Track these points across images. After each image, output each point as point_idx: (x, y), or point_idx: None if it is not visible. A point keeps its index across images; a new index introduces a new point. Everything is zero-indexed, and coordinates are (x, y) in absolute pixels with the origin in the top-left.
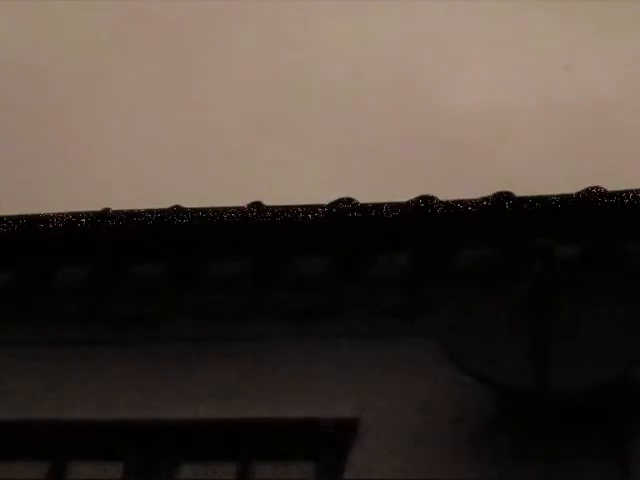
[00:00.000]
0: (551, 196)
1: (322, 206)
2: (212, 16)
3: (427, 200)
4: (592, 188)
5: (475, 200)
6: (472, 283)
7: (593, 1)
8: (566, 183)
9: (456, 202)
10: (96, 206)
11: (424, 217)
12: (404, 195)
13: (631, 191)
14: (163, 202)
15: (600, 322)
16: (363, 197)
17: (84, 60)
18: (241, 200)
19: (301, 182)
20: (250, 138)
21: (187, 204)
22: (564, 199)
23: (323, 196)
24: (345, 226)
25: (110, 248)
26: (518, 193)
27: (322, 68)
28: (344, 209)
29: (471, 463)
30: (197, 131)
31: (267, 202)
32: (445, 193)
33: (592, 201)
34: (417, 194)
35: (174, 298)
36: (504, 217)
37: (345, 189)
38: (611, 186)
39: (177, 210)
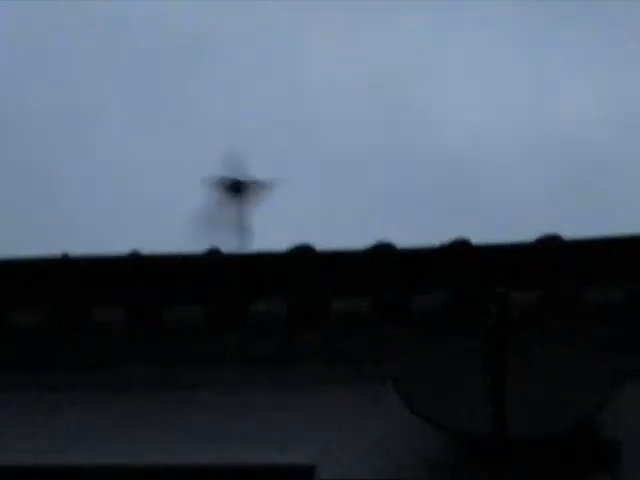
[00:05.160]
0: (507, 243)
1: (279, 252)
2: (192, 56)
3: (383, 246)
4: (547, 236)
5: (432, 247)
6: (429, 329)
7: (583, 31)
8: (551, 218)
9: (413, 248)
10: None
11: (380, 263)
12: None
13: (588, 239)
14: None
15: (558, 368)
16: (343, 240)
17: (66, 98)
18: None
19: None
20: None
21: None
22: (520, 246)
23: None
24: (302, 272)
25: (69, 293)
26: (499, 230)
27: (304, 101)
28: (301, 256)
29: None
30: (167, 172)
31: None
32: (427, 230)
33: (548, 249)
34: (393, 234)
35: (136, 343)
36: (461, 264)
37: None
38: (595, 222)
39: (135, 255)
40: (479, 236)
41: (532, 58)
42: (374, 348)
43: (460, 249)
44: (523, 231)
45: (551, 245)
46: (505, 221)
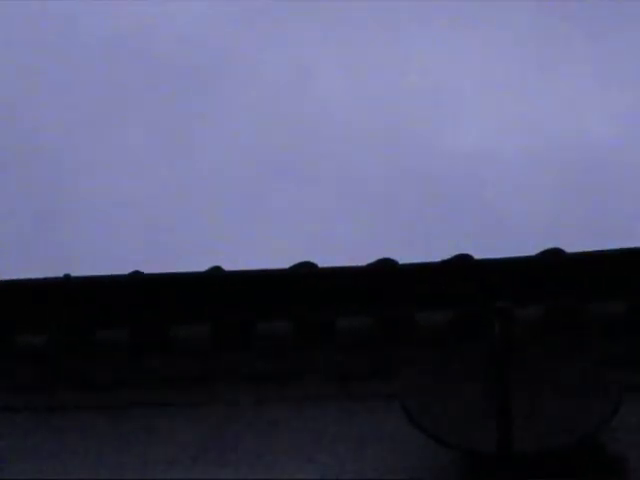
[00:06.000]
0: (509, 258)
1: (282, 270)
2: (209, 78)
3: (387, 263)
4: (549, 250)
5: (434, 263)
6: (432, 345)
7: (592, 47)
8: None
9: (415, 265)
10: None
11: (384, 280)
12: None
13: (590, 252)
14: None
15: (561, 383)
16: (346, 257)
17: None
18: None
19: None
20: (237, 198)
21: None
22: (523, 261)
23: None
24: (305, 290)
25: (72, 314)
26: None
27: (317, 119)
28: (304, 273)
29: None
30: (172, 192)
31: (227, 267)
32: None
33: (550, 263)
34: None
35: (138, 363)
36: (463, 279)
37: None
38: (599, 235)
39: (137, 276)
40: (481, 251)
41: (531, 75)
42: (377, 365)
43: (462, 265)
44: (525, 246)
45: (553, 259)
46: (507, 236)
